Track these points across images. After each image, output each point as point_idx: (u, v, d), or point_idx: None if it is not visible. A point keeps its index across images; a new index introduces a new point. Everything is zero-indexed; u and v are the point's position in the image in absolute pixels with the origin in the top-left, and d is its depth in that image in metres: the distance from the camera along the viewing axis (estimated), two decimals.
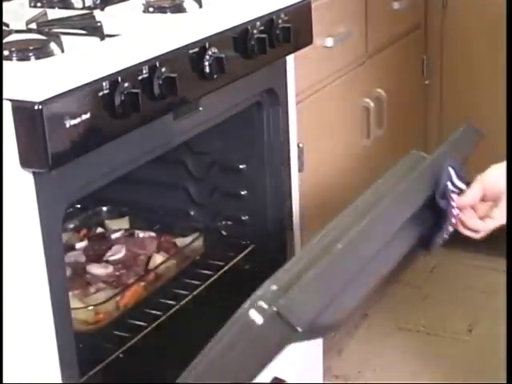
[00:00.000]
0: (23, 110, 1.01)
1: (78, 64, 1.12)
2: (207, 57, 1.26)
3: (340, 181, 2.15)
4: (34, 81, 1.04)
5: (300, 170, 1.69)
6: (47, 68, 1.09)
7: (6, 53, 1.12)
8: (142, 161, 1.28)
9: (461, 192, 1.22)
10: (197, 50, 1.25)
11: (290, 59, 1.54)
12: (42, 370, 1.14)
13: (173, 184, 1.72)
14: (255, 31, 1.37)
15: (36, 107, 1.01)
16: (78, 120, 1.05)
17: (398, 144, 2.45)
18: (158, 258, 1.57)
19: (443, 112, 2.55)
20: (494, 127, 2.14)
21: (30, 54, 1.12)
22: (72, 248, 1.62)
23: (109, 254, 1.59)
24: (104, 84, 1.10)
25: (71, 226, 1.71)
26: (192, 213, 1.72)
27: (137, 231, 1.67)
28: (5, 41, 1.18)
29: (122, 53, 1.17)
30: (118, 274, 1.53)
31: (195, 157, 1.67)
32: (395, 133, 2.35)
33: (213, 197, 1.68)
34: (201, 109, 1.33)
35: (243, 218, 1.66)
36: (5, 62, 1.10)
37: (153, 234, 1.66)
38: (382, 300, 2.25)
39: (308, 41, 1.53)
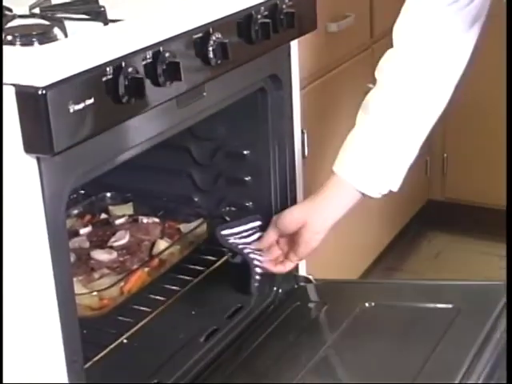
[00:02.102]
0: (27, 95, 1.01)
1: (82, 49, 1.11)
2: (211, 42, 1.26)
3: None
4: (38, 66, 1.04)
5: (304, 156, 1.69)
6: (51, 53, 1.09)
7: (9, 38, 1.12)
8: (145, 146, 1.28)
9: (255, 229, 1.49)
10: (200, 35, 1.25)
11: (294, 45, 1.54)
12: (46, 356, 1.14)
13: (177, 170, 1.72)
14: (259, 16, 1.36)
15: (40, 92, 1.00)
16: (81, 105, 1.05)
17: None
18: (161, 244, 1.57)
19: None
20: (495, 111, 2.14)
21: (34, 39, 1.11)
22: (76, 234, 1.62)
23: (113, 239, 1.59)
24: (108, 69, 1.09)
25: (75, 212, 1.71)
26: (196, 199, 1.72)
27: (141, 217, 1.67)
28: (8, 26, 1.18)
29: (125, 38, 1.17)
30: (121, 259, 1.53)
31: (199, 143, 1.67)
32: None
33: (217, 183, 1.68)
34: (205, 94, 1.32)
35: (247, 204, 1.66)
36: (8, 47, 1.10)
37: (157, 220, 1.66)
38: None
39: (312, 26, 1.52)
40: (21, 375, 1.15)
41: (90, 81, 1.07)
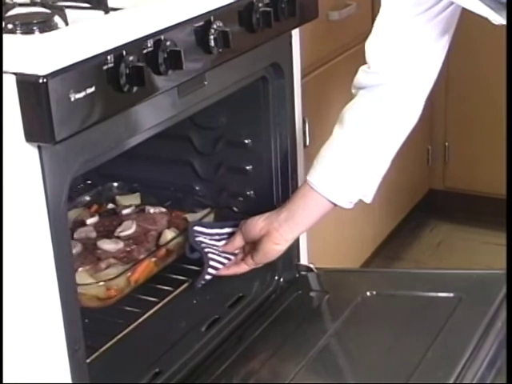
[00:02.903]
0: (28, 84, 1.01)
1: (83, 37, 1.11)
2: (212, 30, 1.25)
3: None
4: (39, 54, 1.04)
5: (305, 144, 1.68)
6: (51, 41, 1.09)
7: (9, 26, 1.11)
8: (146, 135, 1.28)
9: (230, 235, 1.50)
10: (202, 23, 1.25)
11: (296, 33, 1.53)
12: (48, 346, 1.14)
13: (178, 159, 1.72)
14: (260, 4, 1.36)
15: (41, 80, 1.00)
16: (82, 93, 1.05)
17: None
18: (168, 234, 1.56)
19: (449, 85, 2.54)
20: (496, 101, 2.14)
21: (34, 28, 1.11)
22: (83, 224, 1.61)
23: (119, 229, 1.58)
24: (109, 57, 1.09)
25: (82, 201, 1.70)
26: (197, 188, 1.72)
27: (147, 207, 1.66)
28: (8, 14, 1.18)
29: (126, 26, 1.16)
30: (128, 249, 1.52)
31: (200, 132, 1.67)
32: None
33: (218, 172, 1.68)
34: (206, 83, 1.32)
35: (248, 192, 1.66)
36: (9, 36, 1.10)
37: (164, 210, 1.65)
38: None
39: (313, 14, 1.52)
40: (22, 367, 1.15)
41: (91, 69, 1.07)
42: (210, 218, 1.60)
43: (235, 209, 1.65)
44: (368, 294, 1.51)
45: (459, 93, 2.55)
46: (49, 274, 1.11)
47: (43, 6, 1.22)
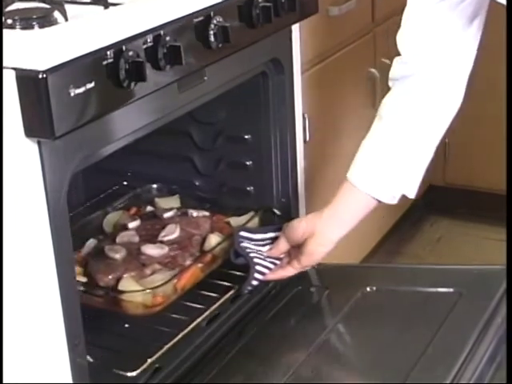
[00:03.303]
0: (27, 79, 1.01)
1: (82, 33, 1.11)
2: (212, 26, 1.25)
3: (345, 151, 2.15)
4: (38, 49, 1.04)
5: (305, 140, 1.68)
6: (51, 37, 1.08)
7: (9, 21, 1.11)
8: (146, 131, 1.28)
9: (274, 240, 1.47)
10: (201, 18, 1.24)
11: (296, 28, 1.53)
12: (48, 340, 1.14)
13: (177, 155, 1.72)
14: (260, 0, 1.35)
15: (40, 76, 1.00)
16: (82, 89, 1.05)
17: None
18: (213, 239, 1.52)
19: None
20: (496, 97, 2.13)
21: (34, 23, 1.11)
22: (124, 228, 1.58)
23: (163, 234, 1.54)
24: (108, 53, 1.09)
25: (120, 204, 1.67)
26: (197, 183, 1.72)
27: (190, 210, 1.62)
28: (8, 9, 1.17)
29: (126, 21, 1.16)
30: (173, 254, 1.48)
31: (200, 127, 1.67)
32: None
33: (218, 167, 1.68)
34: (205, 78, 1.32)
35: (248, 188, 1.66)
36: (8, 31, 1.09)
37: (206, 214, 1.62)
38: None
39: (313, 10, 1.51)
40: (22, 362, 1.15)
41: (90, 64, 1.07)
42: (254, 222, 1.56)
43: (279, 213, 1.62)
44: (368, 289, 1.51)
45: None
46: (49, 269, 1.11)
47: (43, 1, 1.21)
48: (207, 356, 1.39)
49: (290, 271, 1.45)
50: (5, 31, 1.09)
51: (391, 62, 2.30)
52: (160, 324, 1.40)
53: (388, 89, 1.48)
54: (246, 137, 1.62)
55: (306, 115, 1.67)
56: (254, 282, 1.44)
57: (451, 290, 1.48)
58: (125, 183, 1.75)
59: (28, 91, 1.01)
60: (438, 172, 2.71)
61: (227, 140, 1.65)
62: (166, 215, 1.62)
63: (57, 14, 1.15)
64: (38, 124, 1.02)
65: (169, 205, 1.66)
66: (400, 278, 1.44)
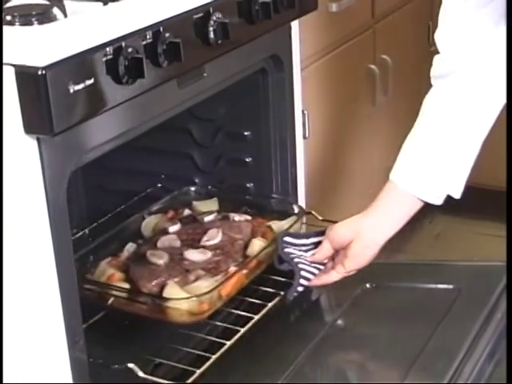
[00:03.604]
0: (27, 75, 1.01)
1: (82, 29, 1.11)
2: (211, 22, 1.25)
3: (345, 147, 2.15)
4: (38, 46, 1.04)
5: (305, 136, 1.68)
6: (50, 33, 1.08)
7: (8, 18, 1.11)
8: (145, 127, 1.28)
9: (316, 245, 1.43)
10: (201, 14, 1.24)
11: (295, 25, 1.53)
12: (49, 337, 1.15)
13: (176, 151, 1.71)
14: None
15: (39, 72, 1.00)
16: (81, 85, 1.05)
17: (403, 110, 2.43)
18: (257, 244, 1.48)
19: None
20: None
21: (33, 19, 1.10)
22: (165, 232, 1.54)
23: (205, 238, 1.50)
24: (108, 49, 1.09)
25: (157, 207, 1.64)
26: (197, 180, 1.72)
27: (231, 214, 1.59)
28: (7, 5, 1.17)
29: (125, 17, 1.16)
30: (216, 260, 1.44)
31: (199, 124, 1.67)
32: (400, 99, 2.34)
33: (218, 164, 1.68)
34: (205, 75, 1.32)
35: (248, 185, 1.66)
36: (7, 27, 1.09)
37: (248, 218, 1.58)
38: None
39: (313, 6, 1.51)
40: (22, 358, 1.15)
41: (89, 61, 1.07)
42: (297, 226, 1.52)
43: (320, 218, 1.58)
44: (368, 285, 1.51)
45: None
46: (48, 265, 1.11)
47: None
48: (207, 351, 1.39)
49: (334, 276, 1.42)
50: (4, 28, 1.09)
51: (391, 59, 2.31)
52: (204, 332, 1.36)
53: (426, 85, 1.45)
54: (246, 133, 1.62)
55: (305, 112, 1.67)
56: (300, 288, 1.41)
57: (450, 286, 1.48)
58: (159, 185, 1.73)
59: (27, 88, 1.01)
60: None
61: (227, 136, 1.65)
62: (207, 219, 1.58)
63: (56, 11, 1.14)
64: (37, 120, 1.02)
65: (207, 208, 1.63)
66: (399, 274, 1.44)
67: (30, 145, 1.05)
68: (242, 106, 1.59)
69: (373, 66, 2.16)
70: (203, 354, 1.30)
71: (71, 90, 1.03)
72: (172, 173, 1.72)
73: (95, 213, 1.76)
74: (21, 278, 1.11)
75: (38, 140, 1.05)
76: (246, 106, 1.58)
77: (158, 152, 1.71)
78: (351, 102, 2.13)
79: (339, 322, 1.45)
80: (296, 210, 1.57)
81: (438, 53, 1.40)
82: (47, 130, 1.03)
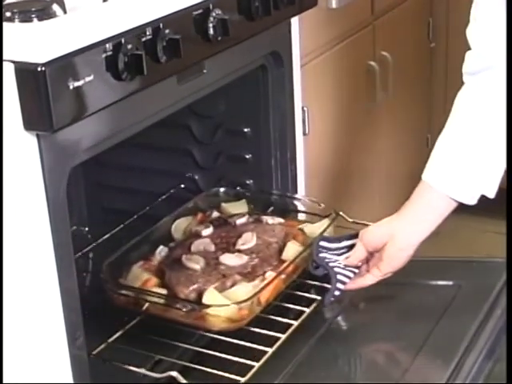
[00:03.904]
0: (26, 72, 1.01)
1: (81, 25, 1.11)
2: (211, 18, 1.25)
3: (345, 144, 2.15)
4: (37, 42, 1.04)
5: (305, 133, 1.68)
6: (50, 29, 1.08)
7: (8, 14, 1.11)
8: (145, 124, 1.28)
9: (349, 248, 1.42)
10: (201, 11, 1.24)
11: (295, 21, 1.53)
12: (48, 334, 1.15)
13: (176, 148, 1.71)
14: None
15: (39, 69, 1.00)
16: (81, 82, 1.05)
17: (403, 107, 2.43)
18: (292, 248, 1.45)
19: (448, 75, 2.54)
20: None
21: (33, 16, 1.10)
22: (198, 235, 1.51)
23: (240, 242, 1.47)
24: (107, 46, 1.09)
25: (184, 209, 1.60)
26: (196, 177, 1.72)
27: (264, 217, 1.55)
28: (7, 2, 1.17)
29: (125, 14, 1.16)
30: (252, 264, 1.41)
31: (199, 120, 1.67)
32: (400, 96, 2.34)
33: (217, 161, 1.68)
34: (205, 71, 1.32)
35: (248, 182, 1.66)
36: (7, 24, 1.09)
37: (282, 221, 1.55)
38: None
39: (312, 2, 1.51)
40: (22, 355, 1.15)
41: (89, 57, 1.07)
42: (330, 229, 1.49)
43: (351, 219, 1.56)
44: None
45: (458, 81, 2.55)
46: (48, 262, 1.11)
47: None
48: (207, 347, 1.39)
49: (370, 279, 1.40)
50: (4, 24, 1.09)
51: (390, 55, 2.31)
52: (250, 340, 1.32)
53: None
54: (246, 130, 1.61)
55: (305, 108, 1.67)
56: (337, 293, 1.40)
57: (450, 282, 1.48)
58: (182, 186, 1.71)
59: (27, 84, 1.01)
60: None
61: (226, 133, 1.64)
62: (239, 222, 1.54)
63: (55, 7, 1.14)
64: (36, 117, 1.02)
65: (236, 210, 1.60)
66: (399, 270, 1.44)
67: (30, 141, 1.05)
68: (242, 102, 1.58)
69: (373, 63, 2.16)
70: (247, 362, 1.27)
71: (71, 87, 1.03)
72: (171, 169, 1.72)
73: (95, 210, 1.76)
74: (20, 274, 1.11)
75: (38, 136, 1.05)
76: (246, 102, 1.58)
77: (157, 149, 1.71)
78: (351, 98, 2.13)
79: (339, 318, 1.45)
80: (325, 212, 1.53)
81: (469, 49, 1.37)
82: (47, 126, 1.03)
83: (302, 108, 1.64)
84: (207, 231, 1.52)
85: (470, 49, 1.38)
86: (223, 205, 1.62)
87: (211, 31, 1.25)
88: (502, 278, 1.44)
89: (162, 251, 1.48)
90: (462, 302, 1.43)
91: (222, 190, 1.65)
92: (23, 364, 1.16)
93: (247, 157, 1.64)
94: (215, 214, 1.59)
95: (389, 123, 2.33)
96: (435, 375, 1.26)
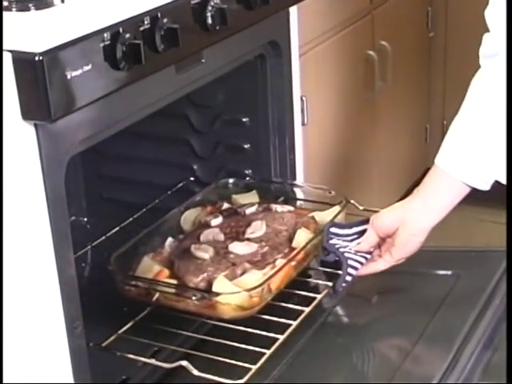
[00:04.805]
0: (24, 61, 1.00)
1: (79, 15, 1.10)
2: (209, 8, 1.25)
3: (343, 134, 2.15)
4: (35, 31, 1.03)
5: (303, 123, 1.68)
6: (48, 19, 1.07)
7: (5, 3, 1.10)
8: (144, 114, 1.27)
9: (360, 234, 1.41)
10: (199, 0, 1.24)
11: (293, 10, 1.53)
12: (47, 323, 1.15)
13: (176, 138, 1.71)
14: None
15: (37, 58, 1.00)
16: (79, 71, 1.04)
17: (402, 97, 2.43)
18: (303, 235, 1.43)
19: (447, 64, 2.54)
20: None
21: (30, 5, 1.10)
22: (207, 225, 1.50)
23: (249, 231, 1.46)
24: (105, 35, 1.08)
25: (194, 201, 1.59)
26: (195, 167, 1.72)
27: (274, 205, 1.54)
28: None
29: (123, 3, 1.15)
30: (262, 252, 1.41)
31: (198, 110, 1.66)
32: (399, 85, 2.34)
33: (216, 151, 1.68)
34: (203, 61, 1.31)
35: (246, 171, 1.66)
36: (4, 13, 1.08)
37: (292, 209, 1.54)
38: None
39: None
40: (20, 343, 1.15)
41: (87, 47, 1.06)
42: (341, 216, 1.48)
43: None
44: None
45: (457, 71, 2.55)
46: (47, 251, 1.11)
47: None
48: (206, 343, 1.39)
49: (382, 264, 1.39)
50: None
51: (389, 45, 2.30)
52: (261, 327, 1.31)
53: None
54: (244, 120, 1.61)
55: (304, 98, 1.67)
56: (348, 278, 1.39)
57: (449, 272, 1.48)
58: (191, 179, 1.70)
59: (25, 74, 1.01)
60: (436, 155, 2.71)
61: (225, 123, 1.64)
62: (248, 211, 1.53)
63: None
64: (34, 107, 1.02)
65: (247, 201, 1.59)
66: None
67: (28, 131, 1.05)
68: (241, 92, 1.58)
69: (371, 52, 2.16)
70: (258, 349, 1.26)
71: (69, 76, 1.03)
72: (170, 159, 1.72)
73: (94, 200, 1.76)
74: (19, 264, 1.11)
75: (36, 126, 1.05)
76: (245, 92, 1.58)
77: (155, 138, 1.71)
78: (350, 88, 2.13)
79: (338, 307, 1.45)
80: (334, 200, 1.52)
81: (487, 31, 1.34)
82: (45, 116, 1.02)
83: (301, 97, 1.64)
84: (216, 221, 1.51)
85: (487, 31, 1.35)
86: (234, 196, 1.61)
87: (209, 20, 1.25)
88: (500, 267, 1.44)
89: (171, 243, 1.48)
90: (461, 291, 1.43)
91: (230, 181, 1.63)
92: (22, 353, 1.16)
93: (246, 146, 1.64)
94: (226, 205, 1.59)
95: (388, 112, 2.33)
96: (434, 364, 1.26)
